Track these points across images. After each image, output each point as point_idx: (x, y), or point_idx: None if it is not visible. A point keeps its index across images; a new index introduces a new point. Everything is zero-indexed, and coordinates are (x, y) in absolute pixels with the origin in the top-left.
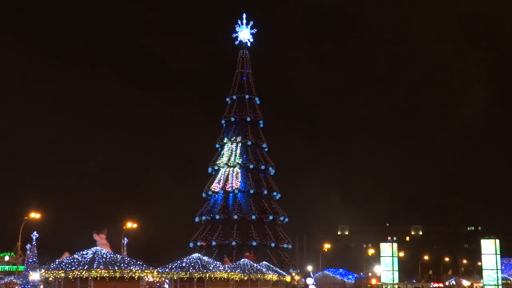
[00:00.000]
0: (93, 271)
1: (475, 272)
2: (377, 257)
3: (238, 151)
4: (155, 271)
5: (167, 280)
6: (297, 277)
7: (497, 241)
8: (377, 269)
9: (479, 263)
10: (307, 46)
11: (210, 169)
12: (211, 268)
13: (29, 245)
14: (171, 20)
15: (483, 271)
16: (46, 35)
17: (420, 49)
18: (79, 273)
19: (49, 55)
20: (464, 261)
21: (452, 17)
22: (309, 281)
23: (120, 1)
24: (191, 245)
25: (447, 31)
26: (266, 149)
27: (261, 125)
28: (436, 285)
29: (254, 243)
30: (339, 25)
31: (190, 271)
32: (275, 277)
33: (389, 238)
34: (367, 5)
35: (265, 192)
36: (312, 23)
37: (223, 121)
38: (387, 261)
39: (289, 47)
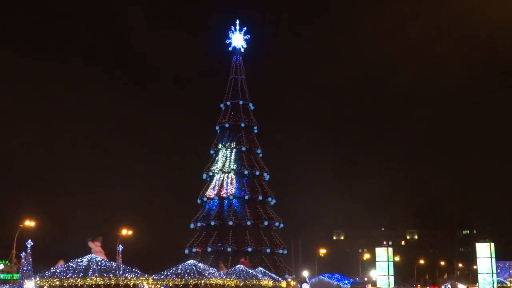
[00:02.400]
0: (88, 279)
1: (471, 276)
2: (372, 262)
3: (233, 157)
4: (151, 278)
5: (162, 287)
6: (292, 283)
7: (492, 244)
8: (373, 273)
9: (475, 267)
10: (302, 50)
11: (204, 175)
12: (206, 274)
13: (23, 253)
14: (165, 24)
15: (479, 274)
16: (30, 33)
17: (418, 49)
18: (74, 281)
19: (36, 55)
20: (460, 265)
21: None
22: (305, 286)
23: (112, 3)
24: (186, 251)
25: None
26: (260, 155)
27: (256, 131)
28: None
29: (249, 249)
30: (334, 28)
31: (186, 277)
32: (270, 283)
33: (384, 242)
34: (366, 16)
35: (260, 197)
36: (306, 26)
37: (217, 127)
38: (382, 266)
39: (283, 52)
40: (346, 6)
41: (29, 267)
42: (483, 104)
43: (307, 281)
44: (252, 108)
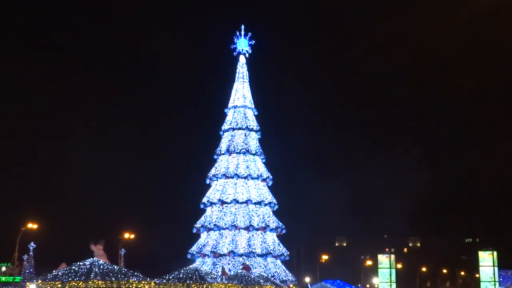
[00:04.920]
0: (90, 282)
1: (473, 284)
2: (374, 269)
3: (236, 162)
4: (153, 282)
5: None
6: None
7: (495, 253)
8: (375, 280)
9: (477, 275)
10: (308, 55)
11: (207, 180)
12: (208, 279)
13: (26, 256)
14: (168, 27)
15: (481, 283)
16: (25, 30)
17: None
18: (76, 284)
19: (32, 54)
20: (462, 273)
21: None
22: None
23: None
24: (188, 256)
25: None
26: (264, 160)
27: (259, 136)
28: None
29: (251, 255)
30: (341, 30)
31: (188, 282)
32: None
33: (386, 249)
34: (376, 24)
35: (263, 203)
36: (312, 30)
37: (221, 132)
38: (384, 273)
39: (289, 57)
40: (354, 10)
41: (31, 270)
42: (493, 111)
43: (309, 287)
44: (256, 113)
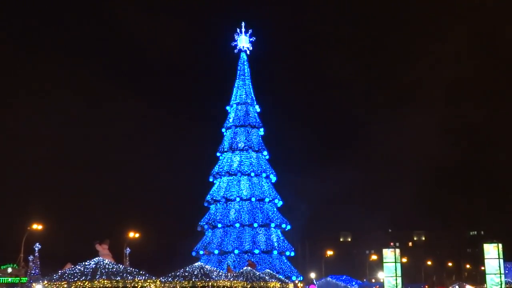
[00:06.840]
0: (96, 282)
1: (478, 276)
2: (379, 263)
3: (239, 159)
4: (158, 280)
5: None
6: (300, 285)
7: (500, 245)
8: (380, 275)
9: (482, 268)
10: (309, 51)
11: (211, 177)
12: (213, 276)
13: (31, 257)
14: (169, 25)
15: (486, 275)
16: (16, 25)
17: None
18: (81, 284)
19: (27, 52)
20: (467, 266)
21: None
22: None
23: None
24: (193, 254)
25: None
26: (267, 157)
27: (262, 133)
28: None
29: (256, 251)
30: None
31: (193, 280)
32: (278, 285)
33: (391, 244)
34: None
35: (267, 199)
36: (313, 26)
37: (223, 129)
38: (390, 267)
39: (289, 53)
40: (355, 5)
41: (37, 270)
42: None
43: (314, 282)
44: (258, 110)
